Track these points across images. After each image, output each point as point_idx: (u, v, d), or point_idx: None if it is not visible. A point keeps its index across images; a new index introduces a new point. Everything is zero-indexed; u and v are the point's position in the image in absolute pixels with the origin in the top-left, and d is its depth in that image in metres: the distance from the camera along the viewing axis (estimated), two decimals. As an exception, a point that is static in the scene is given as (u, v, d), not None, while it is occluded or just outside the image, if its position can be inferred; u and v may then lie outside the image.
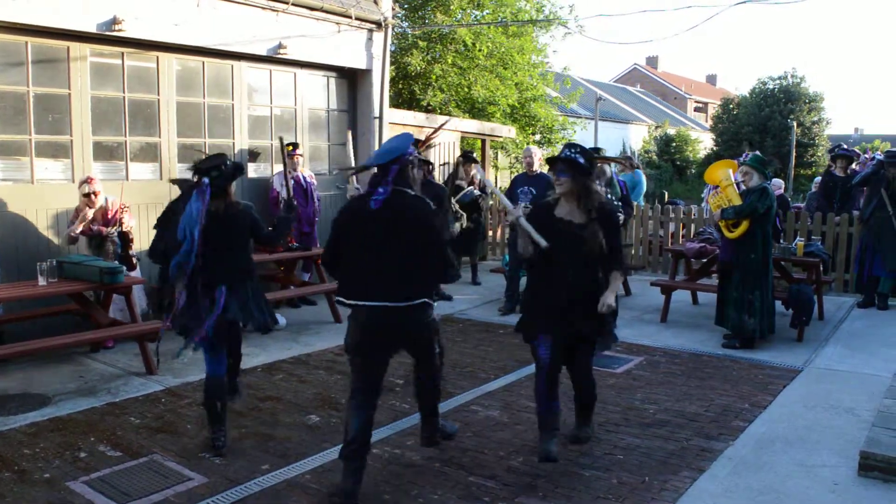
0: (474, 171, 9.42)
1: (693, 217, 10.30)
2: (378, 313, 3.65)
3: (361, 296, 3.66)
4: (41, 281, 5.73)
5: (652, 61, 57.54)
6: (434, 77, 14.43)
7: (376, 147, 9.46)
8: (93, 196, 6.31)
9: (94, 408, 5.06)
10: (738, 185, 6.58)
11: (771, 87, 34.05)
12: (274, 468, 4.11)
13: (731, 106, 36.56)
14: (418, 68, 14.12)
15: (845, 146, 9.80)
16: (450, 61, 14.38)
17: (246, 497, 3.77)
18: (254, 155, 8.34)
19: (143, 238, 7.01)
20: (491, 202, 11.66)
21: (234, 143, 8.14)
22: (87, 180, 6.37)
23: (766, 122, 32.41)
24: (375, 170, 3.80)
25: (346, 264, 3.77)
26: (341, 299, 3.76)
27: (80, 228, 6.31)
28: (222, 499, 3.74)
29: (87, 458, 4.22)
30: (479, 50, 14.46)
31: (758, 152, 7.05)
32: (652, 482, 3.95)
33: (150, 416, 4.90)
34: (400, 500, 3.75)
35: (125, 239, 6.45)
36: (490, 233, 11.70)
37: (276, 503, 3.72)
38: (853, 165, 9.72)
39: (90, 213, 6.34)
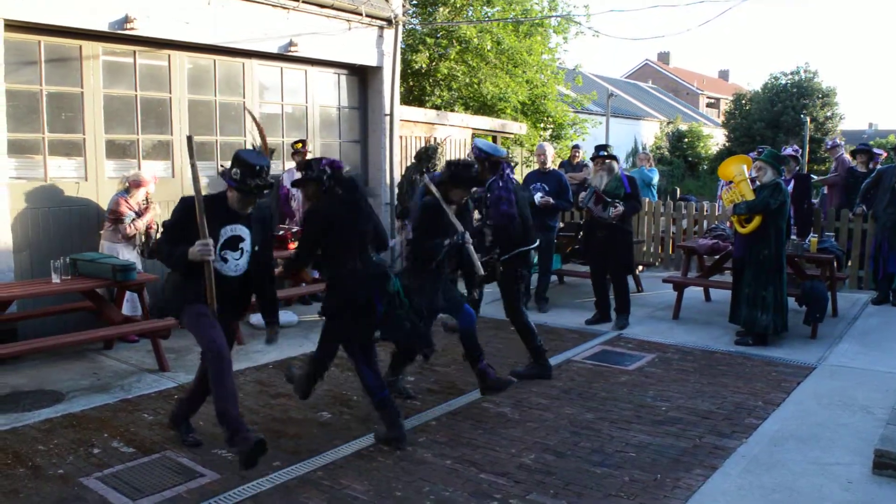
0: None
1: (705, 213, 10.24)
2: None
3: None
4: (55, 278, 5.77)
5: (664, 57, 57.22)
6: (440, 75, 14.38)
7: (387, 144, 9.49)
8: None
9: (107, 404, 5.09)
10: (751, 180, 6.53)
11: (783, 82, 33.76)
12: (286, 465, 4.12)
13: (744, 101, 36.28)
14: (423, 66, 14.07)
15: (869, 143, 9.65)
16: (453, 56, 14.29)
17: (258, 493, 3.79)
18: (270, 151, 8.35)
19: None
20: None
21: (245, 141, 8.16)
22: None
23: (779, 118, 32.11)
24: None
25: None
26: None
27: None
28: (234, 495, 3.76)
29: (100, 455, 4.25)
30: (488, 49, 14.38)
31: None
32: (664, 480, 3.94)
33: (162, 413, 4.92)
34: (411, 496, 3.75)
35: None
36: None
37: (288, 500, 3.73)
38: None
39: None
